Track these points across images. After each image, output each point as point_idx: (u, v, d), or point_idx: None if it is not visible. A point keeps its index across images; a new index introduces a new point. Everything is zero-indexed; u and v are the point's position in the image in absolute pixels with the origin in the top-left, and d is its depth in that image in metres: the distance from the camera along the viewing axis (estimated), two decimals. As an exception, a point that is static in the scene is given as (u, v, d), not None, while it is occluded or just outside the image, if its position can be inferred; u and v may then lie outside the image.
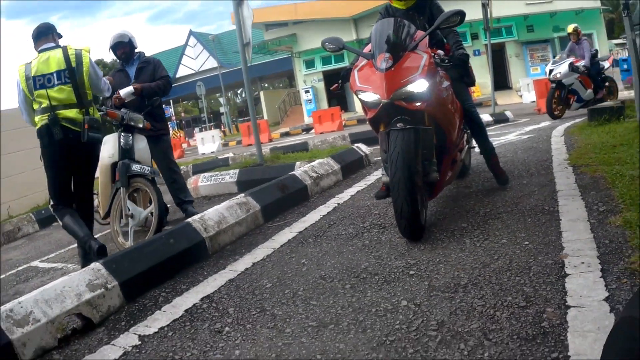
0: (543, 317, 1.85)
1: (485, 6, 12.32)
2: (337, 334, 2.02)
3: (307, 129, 22.28)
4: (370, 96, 3.04)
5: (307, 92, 25.17)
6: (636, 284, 2.00)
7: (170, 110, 33.51)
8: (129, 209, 4.34)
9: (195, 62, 36.80)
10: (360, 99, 3.18)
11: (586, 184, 3.70)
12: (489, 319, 1.91)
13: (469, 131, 4.15)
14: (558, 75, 9.52)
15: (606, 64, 10.30)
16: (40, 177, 9.26)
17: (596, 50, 10.33)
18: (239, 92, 53.87)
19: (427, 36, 3.25)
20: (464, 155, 4.16)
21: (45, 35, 4.18)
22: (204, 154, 19.37)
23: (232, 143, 23.37)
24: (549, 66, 10.08)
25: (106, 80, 4.35)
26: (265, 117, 27.54)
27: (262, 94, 31.89)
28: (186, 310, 2.60)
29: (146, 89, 4.90)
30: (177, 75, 35.57)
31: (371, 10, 22.27)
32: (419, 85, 2.98)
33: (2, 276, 5.10)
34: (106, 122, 4.78)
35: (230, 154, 11.17)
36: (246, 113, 44.87)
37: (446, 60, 3.30)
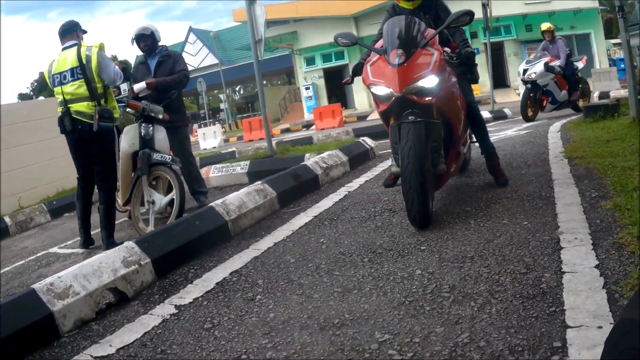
0: (542, 281, 2.13)
1: (485, 6, 12.58)
2: (361, 297, 2.29)
3: (308, 125, 22.54)
4: (383, 90, 3.20)
5: (307, 89, 25.44)
6: (623, 254, 2.27)
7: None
8: (150, 196, 4.60)
9: (195, 59, 36.99)
10: (372, 92, 3.33)
11: (580, 173, 3.97)
12: (494, 283, 2.18)
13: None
14: (533, 76, 9.14)
15: (580, 65, 10.02)
16: (50, 169, 9.57)
17: (570, 50, 9.98)
18: (237, 89, 54.04)
19: (437, 34, 3.42)
20: (466, 150, 4.32)
21: (69, 32, 4.53)
22: (205, 149, 19.58)
23: (232, 139, 23.58)
24: (523, 65, 9.66)
25: (117, 70, 4.52)
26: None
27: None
28: (217, 283, 2.87)
29: (161, 83, 5.12)
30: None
31: (371, 9, 22.53)
32: (430, 81, 3.14)
33: (22, 262, 5.32)
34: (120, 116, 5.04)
35: (234, 148, 11.43)
36: (245, 110, 45.07)
37: (454, 58, 3.52)
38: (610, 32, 30.92)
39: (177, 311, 2.60)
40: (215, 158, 9.86)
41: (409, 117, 3.14)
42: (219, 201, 3.90)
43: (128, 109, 4.84)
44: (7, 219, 7.93)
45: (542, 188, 3.70)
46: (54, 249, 5.57)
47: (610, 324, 1.71)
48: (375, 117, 20.08)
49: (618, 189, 3.31)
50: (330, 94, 25.72)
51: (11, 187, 9.04)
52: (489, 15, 12.80)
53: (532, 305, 1.94)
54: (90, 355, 2.31)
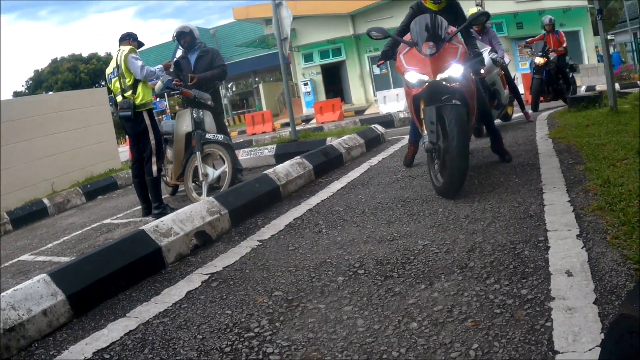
0: (530, 210, 3.07)
1: (479, 6, 13.50)
2: (402, 225, 3.22)
3: (307, 120, 23.40)
4: (417, 76, 3.83)
5: (306, 84, 26.28)
6: (589, 195, 3.20)
7: (164, 104, 34.17)
8: (204, 169, 5.49)
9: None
10: (406, 79, 3.95)
11: (561, 149, 4.91)
12: (496, 212, 3.12)
13: None
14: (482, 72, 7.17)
15: (507, 59, 7.86)
16: (80, 156, 10.36)
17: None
18: (229, 86, 54.64)
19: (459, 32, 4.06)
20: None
21: (124, 40, 5.63)
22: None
23: (233, 133, 24.35)
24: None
25: (144, 68, 5.38)
26: (264, 109, 28.56)
27: (261, 86, 32.90)
28: (286, 225, 3.77)
29: (202, 78, 5.96)
30: (171, 70, 36.22)
31: (367, 7, 23.38)
32: (458, 69, 3.78)
33: (80, 232, 6.12)
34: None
35: (251, 139, 12.30)
36: (239, 106, 45.61)
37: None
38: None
39: (260, 243, 3.49)
40: (236, 146, 10.71)
41: (452, 100, 3.72)
42: (270, 170, 4.80)
43: (182, 96, 5.73)
44: (45, 201, 8.69)
45: (530, 158, 4.64)
46: (108, 220, 6.39)
47: (577, 229, 2.62)
48: (371, 111, 21.04)
49: (591, 158, 4.24)
50: (327, 90, 26.60)
51: (44, 172, 9.83)
52: (482, 14, 13.69)
53: (524, 222, 2.88)
54: (201, 273, 3.18)
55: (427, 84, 3.78)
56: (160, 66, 5.85)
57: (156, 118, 5.78)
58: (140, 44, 5.82)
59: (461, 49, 3.92)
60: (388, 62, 4.78)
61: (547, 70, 9.68)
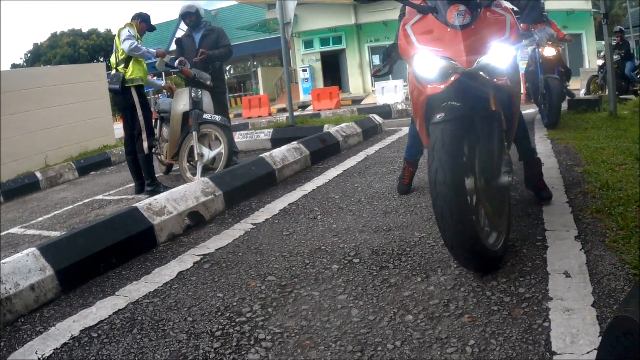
0: (527, 209, 3.05)
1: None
2: (399, 215, 3.19)
3: (303, 106, 23.28)
4: (438, 62, 2.17)
5: (304, 70, 26.10)
6: (587, 197, 3.18)
7: (161, 83, 33.87)
8: (200, 149, 5.42)
9: (191, 36, 37.08)
10: (415, 67, 2.28)
11: (560, 150, 4.89)
12: (495, 209, 3.09)
13: None
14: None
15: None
16: (76, 131, 10.24)
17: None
18: (227, 68, 54.28)
19: None
20: None
21: (134, 18, 5.66)
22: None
23: (230, 116, 24.19)
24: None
25: (128, 42, 5.30)
26: (262, 93, 28.37)
27: (259, 70, 32.65)
28: (280, 210, 3.73)
29: (210, 55, 5.91)
30: (170, 49, 35.95)
31: (371, -4, 23.20)
32: (506, 53, 2.22)
33: (71, 207, 6.04)
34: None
35: (246, 122, 12.22)
36: (236, 89, 45.34)
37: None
38: (602, 33, 31.96)
39: (254, 227, 3.45)
40: (232, 128, 10.64)
41: (492, 110, 2.24)
42: (266, 154, 4.75)
43: (182, 75, 5.64)
44: (38, 174, 8.58)
45: (529, 157, 4.61)
46: (100, 197, 6.32)
47: (575, 230, 2.60)
48: (368, 101, 20.94)
49: (589, 160, 4.23)
50: (325, 77, 26.46)
51: (38, 145, 9.72)
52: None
53: (522, 220, 2.86)
54: (193, 254, 3.14)
55: (455, 77, 2.15)
56: (153, 50, 5.71)
57: (153, 97, 5.74)
58: (151, 27, 5.87)
59: (510, 19, 2.33)
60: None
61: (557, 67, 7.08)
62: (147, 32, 5.94)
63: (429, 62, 2.22)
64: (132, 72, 5.39)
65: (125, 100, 5.47)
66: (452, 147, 2.03)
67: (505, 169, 2.34)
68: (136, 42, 5.35)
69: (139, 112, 5.44)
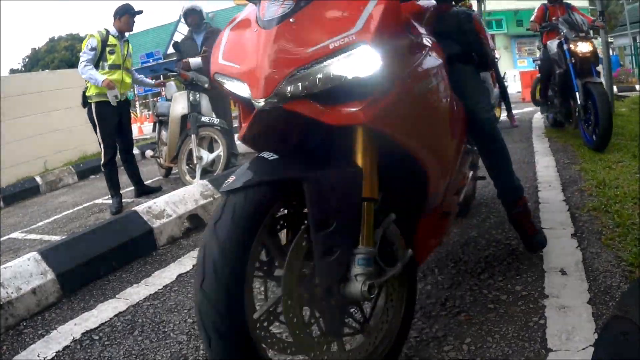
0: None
1: (480, 1, 13.41)
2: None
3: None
4: (237, 87, 1.41)
5: (302, 72, 26.14)
6: (584, 195, 3.20)
7: (151, 81, 33.78)
8: (198, 152, 5.44)
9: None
10: (226, 90, 1.48)
11: (557, 148, 4.92)
12: (490, 208, 3.12)
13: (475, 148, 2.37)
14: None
15: (497, 55, 5.12)
16: (74, 135, 10.24)
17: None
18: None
19: None
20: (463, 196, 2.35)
21: (114, 18, 5.23)
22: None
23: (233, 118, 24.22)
24: None
25: (81, 65, 5.03)
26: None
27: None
28: (279, 212, 3.74)
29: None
30: (168, 52, 35.80)
31: None
32: (357, 59, 1.28)
33: (71, 211, 6.06)
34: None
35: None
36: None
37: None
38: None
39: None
40: (234, 131, 10.63)
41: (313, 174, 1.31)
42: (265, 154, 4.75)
43: (180, 79, 5.66)
44: (37, 179, 8.59)
45: (526, 156, 4.64)
46: (100, 200, 6.32)
47: (571, 228, 2.62)
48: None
49: (586, 158, 4.25)
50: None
51: (38, 150, 9.74)
52: (482, 9, 13.65)
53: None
54: (193, 257, 3.15)
55: (258, 113, 1.36)
56: (99, 79, 4.94)
57: (152, 100, 5.70)
58: (134, 14, 5.16)
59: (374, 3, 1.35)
60: None
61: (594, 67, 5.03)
62: (136, 18, 5.30)
63: (231, 86, 1.44)
64: (89, 88, 5.12)
65: (90, 115, 5.30)
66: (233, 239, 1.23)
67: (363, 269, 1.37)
68: (85, 63, 5.00)
69: (97, 129, 5.18)
